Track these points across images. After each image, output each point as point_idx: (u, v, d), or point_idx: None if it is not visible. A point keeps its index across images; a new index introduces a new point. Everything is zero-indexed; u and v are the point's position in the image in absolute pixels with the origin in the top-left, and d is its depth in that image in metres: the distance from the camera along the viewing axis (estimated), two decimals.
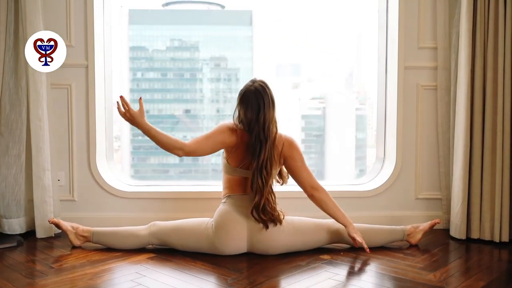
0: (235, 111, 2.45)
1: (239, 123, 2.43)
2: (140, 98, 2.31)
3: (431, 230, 2.71)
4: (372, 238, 2.55)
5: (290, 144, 2.47)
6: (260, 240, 2.41)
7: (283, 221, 2.42)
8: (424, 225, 2.67)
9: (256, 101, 2.38)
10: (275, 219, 2.38)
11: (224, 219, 2.41)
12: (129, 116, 2.30)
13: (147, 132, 2.33)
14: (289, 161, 2.47)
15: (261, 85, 2.42)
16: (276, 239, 2.41)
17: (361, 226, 2.56)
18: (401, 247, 2.60)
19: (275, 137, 2.42)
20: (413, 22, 2.97)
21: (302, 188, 2.51)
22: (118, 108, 2.32)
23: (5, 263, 2.38)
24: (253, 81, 2.45)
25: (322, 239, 2.53)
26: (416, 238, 2.64)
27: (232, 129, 2.43)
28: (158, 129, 2.32)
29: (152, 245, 2.54)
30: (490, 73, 2.69)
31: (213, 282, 2.12)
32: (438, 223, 2.70)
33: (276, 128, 2.43)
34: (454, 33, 2.84)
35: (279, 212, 2.41)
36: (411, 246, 2.63)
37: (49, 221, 2.72)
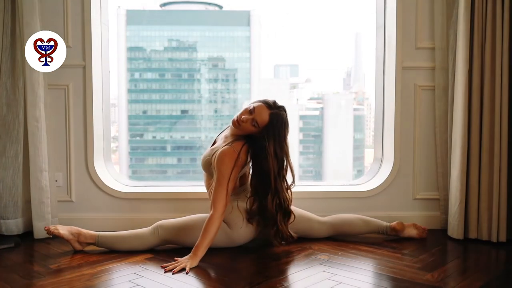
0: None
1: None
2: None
3: (428, 232, 2.76)
4: (352, 228, 2.72)
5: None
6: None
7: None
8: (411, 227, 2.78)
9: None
10: None
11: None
12: (186, 269, 2.23)
13: (205, 250, 2.31)
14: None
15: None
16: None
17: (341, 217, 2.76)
18: (400, 247, 2.60)
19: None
20: (410, 22, 2.98)
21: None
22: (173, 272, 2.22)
23: (3, 264, 2.37)
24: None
25: (321, 230, 2.70)
26: (407, 229, 2.75)
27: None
28: (206, 240, 2.29)
29: (160, 246, 2.54)
30: (488, 74, 2.70)
31: (211, 283, 2.12)
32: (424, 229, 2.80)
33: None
34: (452, 33, 2.84)
35: None
36: (407, 243, 2.65)
37: (45, 229, 2.55)
